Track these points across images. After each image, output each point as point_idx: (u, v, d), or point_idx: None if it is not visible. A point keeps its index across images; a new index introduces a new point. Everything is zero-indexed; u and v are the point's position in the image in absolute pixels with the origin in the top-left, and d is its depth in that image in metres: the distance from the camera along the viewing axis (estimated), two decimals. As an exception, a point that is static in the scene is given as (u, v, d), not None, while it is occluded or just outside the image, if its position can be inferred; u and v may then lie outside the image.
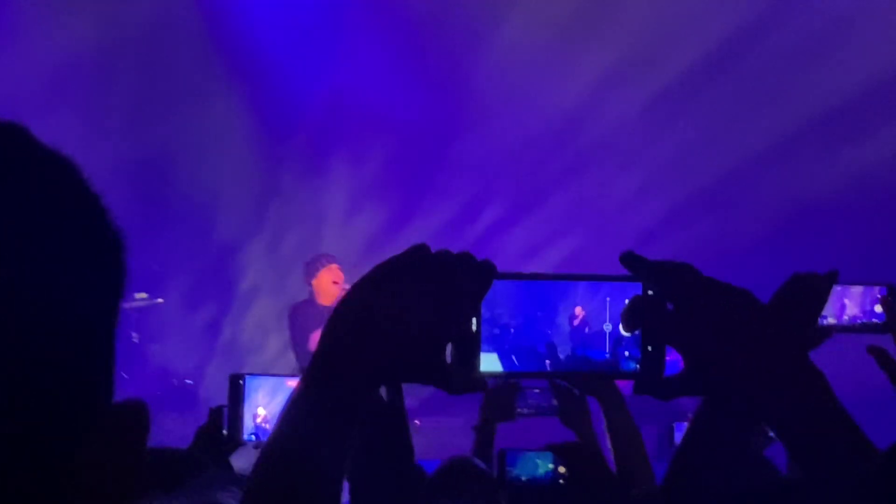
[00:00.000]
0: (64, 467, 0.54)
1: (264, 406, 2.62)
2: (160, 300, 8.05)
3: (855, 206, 6.91)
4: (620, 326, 1.03)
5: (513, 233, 7.72)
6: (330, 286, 6.20)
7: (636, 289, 1.04)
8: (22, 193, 0.55)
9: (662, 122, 7.43)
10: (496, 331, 1.05)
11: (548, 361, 1.06)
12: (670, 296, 1.00)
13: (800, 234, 6.69)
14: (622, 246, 1.06)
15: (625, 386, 3.78)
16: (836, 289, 2.02)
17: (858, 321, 2.18)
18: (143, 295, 7.80)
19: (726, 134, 7.28)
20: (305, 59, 7.84)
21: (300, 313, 6.21)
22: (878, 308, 2.18)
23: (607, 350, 1.06)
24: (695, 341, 0.98)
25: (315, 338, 6.17)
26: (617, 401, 2.77)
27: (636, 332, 1.04)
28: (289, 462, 0.93)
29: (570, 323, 1.06)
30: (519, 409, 3.31)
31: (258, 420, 2.62)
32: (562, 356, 1.06)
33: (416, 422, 7.14)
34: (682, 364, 1.02)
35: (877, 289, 2.19)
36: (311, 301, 6.31)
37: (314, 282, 6.28)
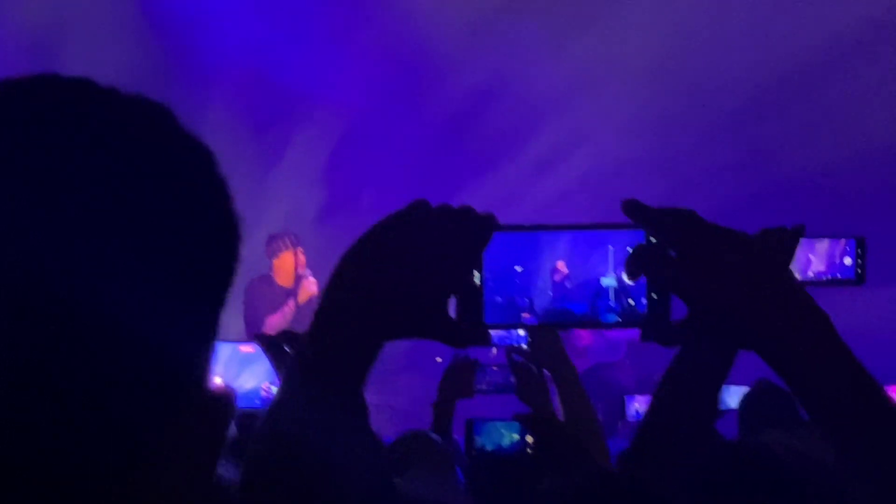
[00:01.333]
0: (150, 446, 0.55)
1: (220, 375, 2.53)
2: None
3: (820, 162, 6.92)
4: (624, 275, 1.04)
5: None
6: (290, 267, 6.15)
7: (639, 237, 1.04)
8: (161, 172, 0.58)
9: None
10: (494, 282, 1.06)
11: (527, 315, 1.07)
12: (673, 243, 1.00)
13: (769, 193, 6.70)
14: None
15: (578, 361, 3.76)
16: (802, 243, 1.97)
17: (825, 276, 2.13)
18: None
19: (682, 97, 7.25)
20: (236, 34, 7.66)
21: (256, 291, 6.13)
22: (847, 261, 2.13)
23: (589, 301, 1.08)
24: (698, 287, 0.98)
25: (271, 322, 6.08)
26: (570, 375, 2.78)
27: (640, 280, 1.04)
28: (297, 426, 0.94)
29: (552, 276, 1.08)
30: (477, 387, 3.32)
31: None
32: (541, 310, 1.08)
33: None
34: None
35: (843, 242, 2.15)
36: (268, 278, 6.26)
37: (276, 261, 6.22)
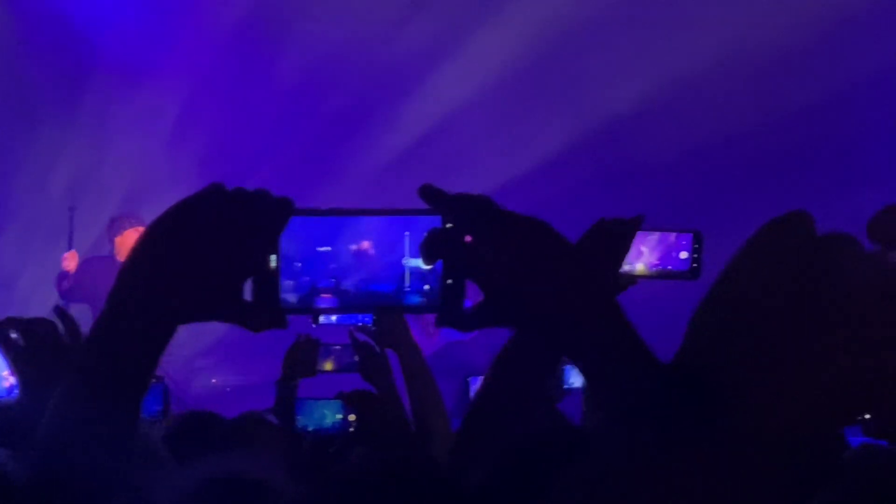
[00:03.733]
0: None
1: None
2: None
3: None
4: (420, 260, 1.03)
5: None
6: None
7: (436, 222, 1.03)
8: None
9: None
10: (295, 265, 1.05)
11: (332, 296, 1.07)
12: (468, 228, 1.00)
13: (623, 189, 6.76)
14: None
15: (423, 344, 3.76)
16: (637, 235, 1.98)
17: (655, 268, 2.14)
18: None
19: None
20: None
21: (96, 271, 5.98)
22: (683, 255, 2.15)
23: (394, 284, 1.07)
24: (492, 273, 0.98)
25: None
26: (414, 356, 2.80)
27: (436, 265, 1.04)
28: (89, 402, 0.96)
29: (357, 258, 1.07)
30: (321, 365, 3.29)
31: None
32: (349, 290, 1.07)
33: (213, 380, 7.02)
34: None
35: (674, 235, 2.16)
36: (110, 259, 6.17)
37: (118, 239, 6.11)
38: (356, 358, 3.10)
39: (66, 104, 7.36)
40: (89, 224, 6.77)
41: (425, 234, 1.02)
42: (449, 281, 1.05)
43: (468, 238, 1.00)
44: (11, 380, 2.00)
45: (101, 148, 7.44)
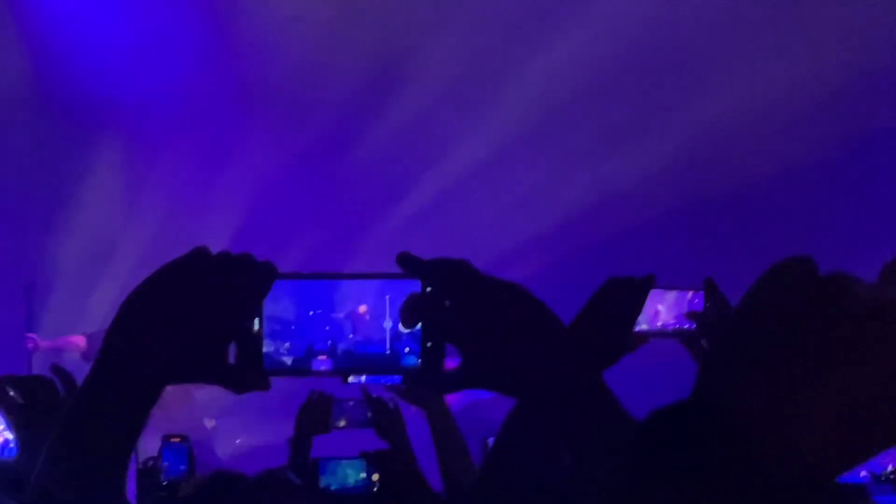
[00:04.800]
0: None
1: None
2: None
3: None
4: (399, 324, 1.06)
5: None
6: None
7: (416, 286, 1.05)
8: None
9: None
10: (278, 329, 1.07)
11: (328, 358, 1.09)
12: (446, 292, 1.02)
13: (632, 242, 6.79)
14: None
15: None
16: (652, 293, 1.99)
17: (671, 326, 2.16)
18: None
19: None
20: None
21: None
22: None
23: (387, 346, 1.09)
24: (468, 335, 1.01)
25: (72, 339, 5.97)
26: (443, 414, 2.79)
27: (416, 329, 1.06)
28: (78, 457, 0.98)
29: (351, 320, 1.09)
30: (334, 422, 3.30)
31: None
32: (342, 352, 1.09)
33: (238, 441, 6.97)
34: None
35: (691, 293, 2.18)
36: None
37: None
38: (369, 414, 3.11)
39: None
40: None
41: (404, 298, 1.04)
42: (429, 343, 1.07)
43: (447, 302, 1.02)
44: (7, 435, 2.01)
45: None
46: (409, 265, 1.04)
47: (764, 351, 0.61)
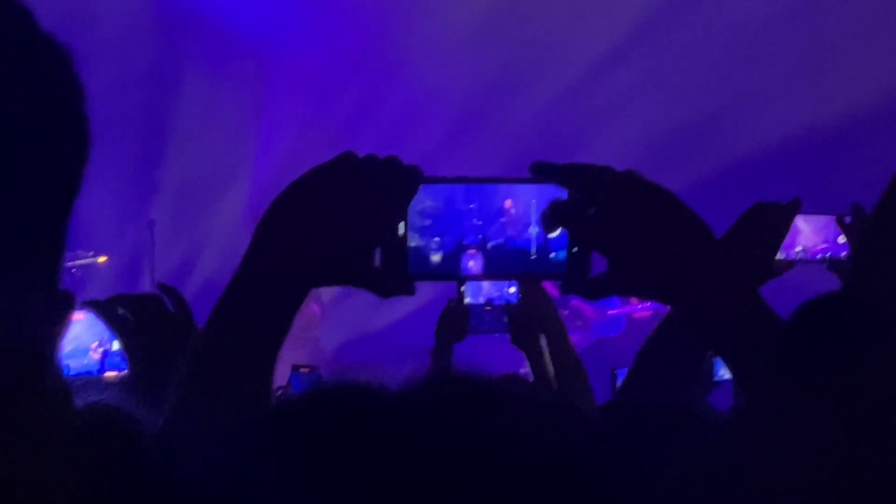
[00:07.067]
0: None
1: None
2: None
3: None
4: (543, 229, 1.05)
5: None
6: None
7: (562, 193, 1.03)
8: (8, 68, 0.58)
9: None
10: (429, 224, 1.06)
11: (477, 251, 1.08)
12: (591, 198, 1.00)
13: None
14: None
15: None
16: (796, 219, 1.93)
17: (818, 253, 2.08)
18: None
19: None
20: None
21: None
22: (842, 239, 2.08)
23: (535, 248, 1.08)
24: (615, 242, 0.99)
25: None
26: (559, 331, 2.81)
27: (562, 234, 1.05)
28: (222, 367, 0.98)
29: (499, 217, 1.08)
30: (471, 329, 3.33)
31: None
32: (491, 247, 1.08)
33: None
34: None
35: (835, 218, 2.08)
36: None
37: None
38: (505, 319, 3.12)
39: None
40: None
41: (549, 203, 1.02)
42: (574, 250, 1.06)
43: (592, 210, 1.00)
44: (100, 353, 2.04)
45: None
46: (545, 173, 1.02)
47: None
